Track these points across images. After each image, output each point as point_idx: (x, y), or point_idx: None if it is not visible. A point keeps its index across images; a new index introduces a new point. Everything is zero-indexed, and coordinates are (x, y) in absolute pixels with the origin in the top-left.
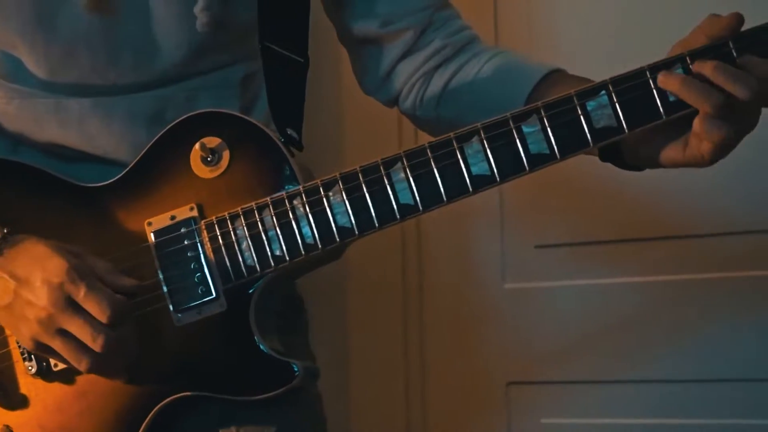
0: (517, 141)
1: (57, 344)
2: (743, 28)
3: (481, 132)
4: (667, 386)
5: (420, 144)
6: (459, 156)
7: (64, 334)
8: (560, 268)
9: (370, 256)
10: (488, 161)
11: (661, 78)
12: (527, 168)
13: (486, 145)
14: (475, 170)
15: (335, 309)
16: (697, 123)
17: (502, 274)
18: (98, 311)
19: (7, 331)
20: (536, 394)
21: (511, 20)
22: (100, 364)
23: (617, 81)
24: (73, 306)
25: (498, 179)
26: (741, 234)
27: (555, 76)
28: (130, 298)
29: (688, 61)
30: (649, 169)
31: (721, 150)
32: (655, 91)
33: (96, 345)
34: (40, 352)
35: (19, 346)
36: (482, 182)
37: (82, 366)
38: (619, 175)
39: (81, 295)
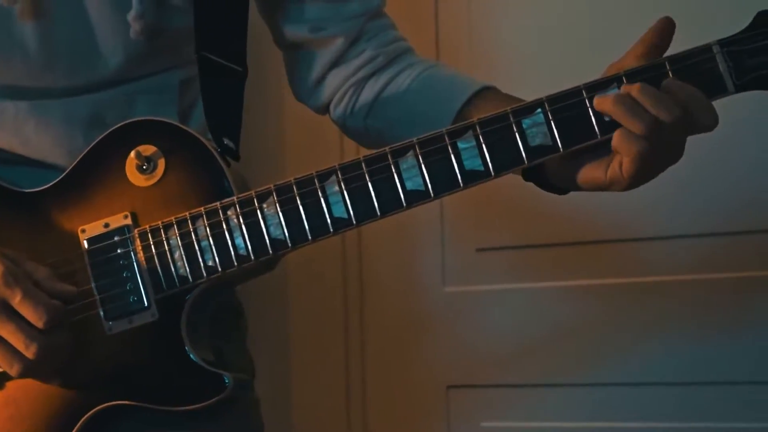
0: (452, 157)
1: None
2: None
3: (417, 147)
4: (606, 389)
5: (361, 155)
6: (394, 170)
7: None
8: (501, 272)
9: (311, 257)
10: (423, 176)
11: (597, 101)
12: (461, 184)
13: (421, 161)
14: (409, 185)
15: (276, 313)
16: (615, 137)
17: (443, 277)
18: (34, 316)
19: None
20: (476, 398)
21: (452, 34)
22: (31, 370)
23: (553, 99)
24: (6, 311)
25: (432, 195)
26: (683, 238)
27: (486, 93)
28: (67, 304)
29: (624, 81)
30: (572, 190)
31: (639, 169)
32: (590, 110)
33: (29, 352)
34: None
35: None
36: (416, 197)
37: (13, 371)
38: None
39: (17, 299)
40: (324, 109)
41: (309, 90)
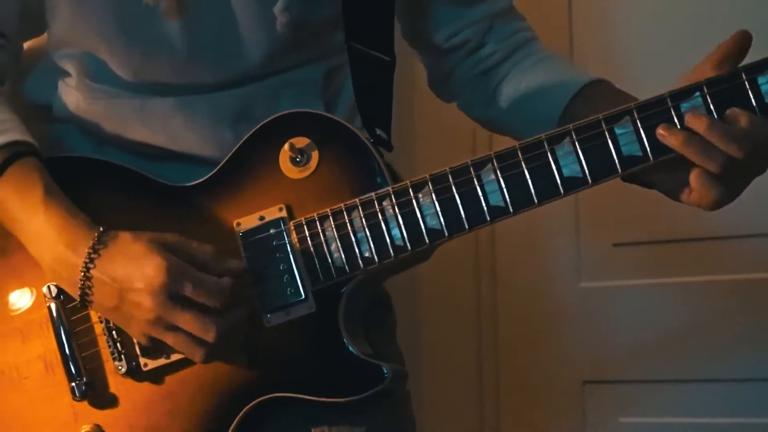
0: (610, 142)
1: (170, 340)
2: None
3: (573, 134)
4: (745, 385)
5: (495, 141)
6: (550, 158)
7: (175, 329)
8: (638, 267)
9: (443, 254)
10: (580, 163)
11: (661, 132)
12: (620, 170)
13: (577, 147)
14: (566, 172)
15: (408, 309)
16: (693, 179)
17: (578, 273)
18: (211, 301)
19: (97, 330)
20: (613, 393)
21: (586, 29)
22: (215, 353)
23: (712, 83)
24: (179, 303)
25: (590, 181)
26: None
27: (597, 86)
28: (237, 278)
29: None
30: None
31: (721, 203)
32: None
33: (209, 336)
34: (155, 346)
35: (109, 346)
36: (574, 184)
37: (197, 358)
38: None
39: (189, 290)
40: (451, 101)
41: (437, 84)
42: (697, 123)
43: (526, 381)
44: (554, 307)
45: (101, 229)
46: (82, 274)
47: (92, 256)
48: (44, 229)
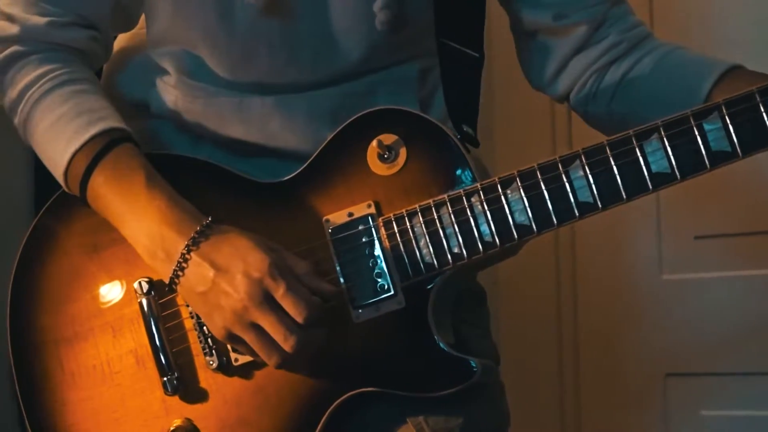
0: (698, 138)
1: (249, 337)
2: None
3: (661, 130)
4: None
5: (574, 137)
6: (638, 154)
7: (257, 328)
8: (721, 259)
9: (523, 248)
10: (668, 159)
11: None
12: (708, 166)
13: (666, 143)
14: (654, 168)
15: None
16: None
17: (659, 265)
18: (295, 311)
19: (187, 326)
20: (696, 386)
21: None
22: (288, 362)
23: None
24: (269, 302)
25: (678, 177)
26: None
27: (734, 73)
28: (325, 301)
29: None
30: None
31: None
32: None
33: (287, 345)
34: (230, 341)
35: (200, 341)
36: (662, 180)
37: (271, 362)
38: None
39: (280, 292)
40: (564, 97)
41: (549, 79)
42: None
43: (608, 373)
44: (636, 300)
45: (209, 218)
46: (182, 254)
47: (198, 239)
48: (146, 211)
